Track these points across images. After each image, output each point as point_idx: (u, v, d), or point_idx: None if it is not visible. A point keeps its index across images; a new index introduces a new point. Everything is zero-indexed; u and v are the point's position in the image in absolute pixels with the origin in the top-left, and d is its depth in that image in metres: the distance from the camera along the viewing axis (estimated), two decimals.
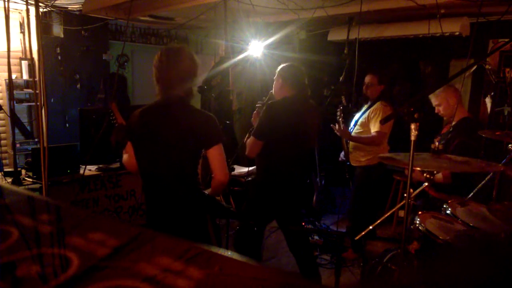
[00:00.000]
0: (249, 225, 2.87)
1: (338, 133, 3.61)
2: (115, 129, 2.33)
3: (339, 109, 3.64)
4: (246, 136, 2.98)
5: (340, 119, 3.61)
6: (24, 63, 4.81)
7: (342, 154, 3.84)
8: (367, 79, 3.62)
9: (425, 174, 2.17)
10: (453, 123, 2.97)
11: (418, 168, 2.01)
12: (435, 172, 2.18)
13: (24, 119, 4.99)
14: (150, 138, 1.97)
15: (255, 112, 2.91)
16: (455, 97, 2.93)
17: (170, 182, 1.99)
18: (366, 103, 3.71)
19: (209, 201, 2.17)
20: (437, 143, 2.08)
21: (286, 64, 2.79)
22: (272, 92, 2.88)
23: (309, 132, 2.77)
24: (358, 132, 3.63)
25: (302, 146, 2.78)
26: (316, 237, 4.03)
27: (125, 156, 2.17)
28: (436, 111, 3.04)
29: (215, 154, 1.98)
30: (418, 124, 1.67)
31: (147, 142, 1.98)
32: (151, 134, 1.96)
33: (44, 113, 2.62)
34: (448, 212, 2.30)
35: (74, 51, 5.16)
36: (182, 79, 1.95)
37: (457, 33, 4.19)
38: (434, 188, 2.93)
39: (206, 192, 2.15)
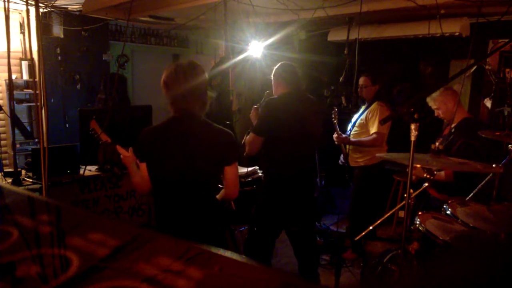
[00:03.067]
0: (259, 232, 2.80)
1: (336, 142, 3.63)
2: (101, 147, 2.25)
3: (334, 111, 3.65)
4: (244, 137, 2.97)
5: (335, 121, 3.62)
6: (24, 64, 4.81)
7: (342, 157, 3.85)
8: (361, 81, 3.66)
9: (425, 174, 2.17)
10: (454, 124, 2.97)
11: (418, 165, 2.01)
12: (435, 172, 2.18)
13: (24, 119, 4.99)
14: (170, 156, 1.93)
15: (252, 111, 2.90)
16: (453, 100, 2.94)
17: (191, 199, 1.98)
18: (364, 104, 3.73)
19: (227, 214, 2.19)
20: (437, 144, 2.08)
21: (278, 64, 2.82)
22: (268, 92, 2.91)
23: (310, 126, 2.74)
24: (357, 133, 3.64)
25: (305, 141, 2.73)
26: (316, 238, 4.03)
27: (136, 178, 2.05)
28: (435, 114, 3.05)
29: (232, 171, 2.02)
30: (418, 124, 1.67)
31: (166, 159, 1.94)
32: (171, 152, 1.93)
33: (44, 113, 2.61)
34: (448, 212, 2.30)
35: (74, 51, 5.16)
36: (199, 95, 1.95)
37: (457, 34, 4.19)
38: (435, 188, 2.93)
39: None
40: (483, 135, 2.60)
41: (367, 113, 3.58)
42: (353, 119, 3.73)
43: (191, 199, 1.97)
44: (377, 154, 3.29)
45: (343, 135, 3.65)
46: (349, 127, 3.74)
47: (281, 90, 2.73)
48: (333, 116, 3.65)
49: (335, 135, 3.64)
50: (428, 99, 3.02)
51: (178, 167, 1.93)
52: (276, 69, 2.80)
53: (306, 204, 2.83)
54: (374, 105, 3.56)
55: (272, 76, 2.81)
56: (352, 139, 3.61)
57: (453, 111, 2.91)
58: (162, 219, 2.08)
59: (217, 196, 2.14)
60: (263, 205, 2.80)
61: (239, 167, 4.12)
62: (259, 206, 2.84)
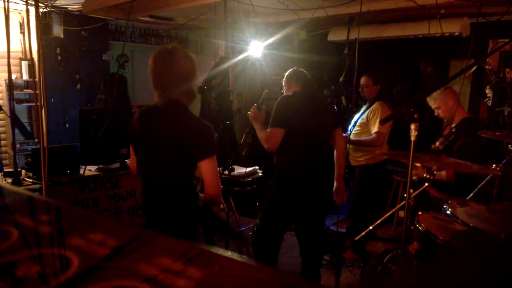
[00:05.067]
0: (267, 227, 2.80)
1: None
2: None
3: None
4: (244, 137, 2.96)
5: None
6: (24, 64, 4.81)
7: None
8: (362, 81, 3.66)
9: (425, 174, 2.18)
10: (454, 124, 2.98)
11: (418, 164, 2.01)
12: (435, 172, 2.18)
13: (24, 119, 4.99)
14: (146, 141, 1.92)
15: (252, 109, 2.86)
16: (453, 99, 2.95)
17: (162, 187, 1.95)
18: (365, 103, 3.73)
19: (203, 213, 2.09)
20: (437, 144, 2.08)
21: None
22: (266, 91, 2.93)
23: (323, 122, 2.78)
24: (358, 133, 3.64)
25: (319, 137, 2.76)
26: None
27: (131, 159, 2.15)
28: (435, 114, 3.06)
29: (207, 168, 1.86)
30: (418, 124, 1.67)
31: (144, 145, 1.94)
32: (147, 138, 1.92)
33: (44, 113, 2.62)
34: (448, 212, 2.30)
35: (74, 51, 5.16)
36: (179, 82, 1.86)
37: (457, 33, 4.19)
38: (436, 188, 2.93)
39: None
40: (483, 135, 2.60)
41: (368, 113, 3.58)
42: (354, 119, 3.73)
43: (161, 186, 1.94)
44: (378, 152, 3.28)
45: (343, 134, 3.65)
46: (350, 126, 3.74)
47: (293, 89, 2.80)
48: None
49: None
50: (428, 99, 3.03)
51: (150, 154, 1.92)
52: (287, 73, 2.90)
53: (320, 202, 2.83)
54: (375, 105, 3.56)
55: (283, 81, 2.90)
56: (352, 138, 3.61)
57: (453, 110, 2.92)
58: (144, 203, 2.10)
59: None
60: (275, 199, 2.80)
61: (239, 167, 4.13)
62: (270, 200, 2.83)
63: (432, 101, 3.02)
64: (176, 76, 1.86)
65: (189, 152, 1.86)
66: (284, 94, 2.87)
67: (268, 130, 2.68)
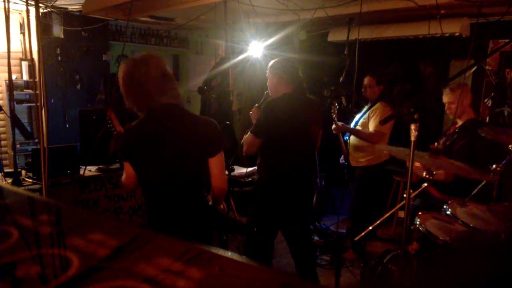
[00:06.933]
0: (258, 233, 2.75)
1: (334, 131, 3.61)
2: (114, 136, 2.27)
3: (334, 106, 3.64)
4: (244, 137, 2.96)
5: (334, 115, 3.61)
6: (24, 64, 4.81)
7: (342, 157, 3.85)
8: (366, 81, 3.66)
9: (424, 174, 2.18)
10: (459, 123, 2.97)
11: (417, 164, 2.01)
12: (434, 172, 2.19)
13: (24, 119, 4.99)
14: (152, 152, 1.85)
15: (254, 109, 2.82)
16: (469, 97, 2.94)
17: (174, 195, 1.91)
18: (367, 104, 3.73)
19: (215, 215, 2.07)
20: (436, 144, 2.08)
21: (276, 59, 2.68)
22: (267, 92, 2.80)
23: (312, 127, 2.69)
24: None
25: (306, 142, 2.68)
26: (316, 238, 4.03)
27: (123, 176, 2.05)
28: (446, 108, 3.02)
29: (217, 162, 1.89)
30: (418, 124, 1.67)
31: (148, 155, 1.86)
32: (152, 148, 1.84)
33: (44, 113, 2.62)
34: (448, 212, 2.30)
35: (74, 51, 5.16)
36: (160, 84, 1.80)
37: (457, 34, 4.19)
38: (436, 188, 2.93)
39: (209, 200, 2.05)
40: (483, 134, 2.60)
41: (369, 113, 3.59)
42: (356, 118, 3.74)
43: (173, 194, 1.91)
44: (378, 147, 3.27)
45: (340, 123, 3.59)
46: (351, 126, 3.74)
47: (282, 90, 2.60)
48: (333, 111, 3.63)
49: (333, 126, 3.60)
50: (447, 91, 2.96)
51: (157, 164, 1.85)
52: (275, 65, 2.64)
53: (304, 205, 2.80)
54: (377, 105, 3.57)
55: (268, 71, 2.68)
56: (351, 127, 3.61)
57: (465, 109, 2.92)
58: (150, 216, 2.04)
59: (209, 196, 2.03)
60: (261, 205, 2.76)
61: (239, 167, 4.13)
62: (256, 206, 2.79)
63: (450, 94, 2.94)
64: (157, 81, 1.79)
65: (200, 152, 1.85)
66: (269, 90, 2.72)
67: (248, 134, 2.60)
